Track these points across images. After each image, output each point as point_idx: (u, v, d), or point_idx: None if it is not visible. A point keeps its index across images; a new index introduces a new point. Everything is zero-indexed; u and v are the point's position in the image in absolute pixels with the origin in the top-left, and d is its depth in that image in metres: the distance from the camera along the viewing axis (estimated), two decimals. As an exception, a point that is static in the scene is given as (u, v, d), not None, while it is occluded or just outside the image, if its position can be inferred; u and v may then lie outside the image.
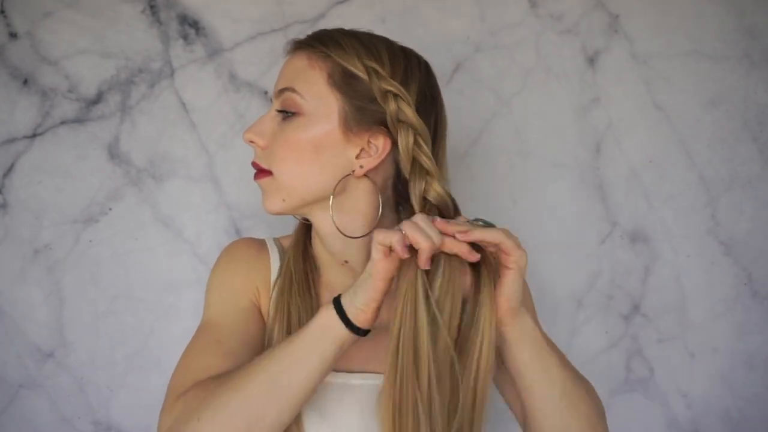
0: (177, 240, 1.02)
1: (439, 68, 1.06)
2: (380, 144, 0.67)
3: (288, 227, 0.83)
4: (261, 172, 0.71)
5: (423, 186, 0.65)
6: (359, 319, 0.60)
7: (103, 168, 1.00)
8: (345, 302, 0.60)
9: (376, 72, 0.65)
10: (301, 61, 0.69)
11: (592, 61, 1.09)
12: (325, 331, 0.60)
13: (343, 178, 0.67)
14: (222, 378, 0.61)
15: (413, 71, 0.68)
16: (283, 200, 0.70)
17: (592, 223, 1.11)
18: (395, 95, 0.65)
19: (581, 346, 1.11)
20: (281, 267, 0.76)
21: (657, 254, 1.12)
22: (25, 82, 0.98)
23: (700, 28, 1.11)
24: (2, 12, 0.97)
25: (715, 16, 1.11)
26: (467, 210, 1.09)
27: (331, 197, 0.68)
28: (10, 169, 0.98)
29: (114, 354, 1.01)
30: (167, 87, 1.01)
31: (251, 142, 0.72)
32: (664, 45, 1.10)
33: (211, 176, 1.02)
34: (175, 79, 1.01)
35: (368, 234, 0.69)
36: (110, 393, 1.01)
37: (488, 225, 0.62)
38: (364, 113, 0.66)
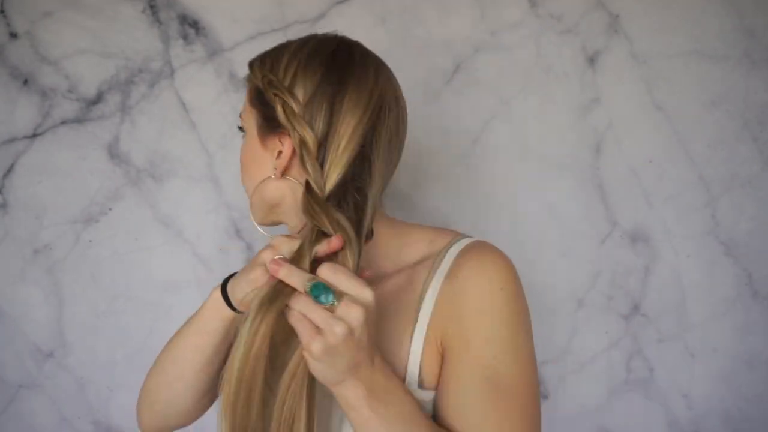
0: (177, 240, 1.02)
1: (439, 68, 1.07)
2: (286, 145, 0.66)
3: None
4: None
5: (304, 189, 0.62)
6: (235, 300, 0.65)
7: (103, 168, 1.00)
8: (230, 288, 0.66)
9: (269, 79, 0.67)
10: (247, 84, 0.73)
11: (592, 61, 1.09)
12: (211, 310, 0.68)
13: (261, 182, 0.69)
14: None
15: (307, 67, 0.65)
16: (253, 213, 0.72)
17: (592, 223, 1.11)
18: (280, 98, 0.65)
19: (581, 346, 1.11)
20: None
21: (657, 254, 1.12)
22: (25, 82, 0.98)
23: (700, 28, 1.11)
24: (2, 12, 0.97)
25: (715, 16, 1.11)
26: (467, 210, 1.09)
27: (250, 199, 0.71)
28: (10, 169, 0.98)
29: (114, 354, 1.01)
30: (167, 87, 1.01)
31: None
32: (664, 45, 1.10)
33: (211, 176, 1.02)
34: (175, 79, 1.01)
35: (301, 230, 0.66)
36: (110, 393, 1.01)
37: (322, 298, 0.53)
38: (270, 120, 0.67)
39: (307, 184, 0.63)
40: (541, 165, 1.09)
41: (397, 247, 0.70)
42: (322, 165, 0.63)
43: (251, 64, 0.71)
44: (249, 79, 0.72)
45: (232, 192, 1.03)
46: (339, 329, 0.51)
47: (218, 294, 0.68)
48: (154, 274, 1.01)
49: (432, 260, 0.67)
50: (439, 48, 1.06)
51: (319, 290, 0.52)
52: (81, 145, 0.99)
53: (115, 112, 1.00)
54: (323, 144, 0.64)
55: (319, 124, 0.64)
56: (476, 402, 0.60)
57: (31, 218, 0.99)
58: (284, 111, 0.65)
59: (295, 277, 0.54)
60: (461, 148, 1.08)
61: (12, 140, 0.98)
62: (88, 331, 1.00)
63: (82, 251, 1.00)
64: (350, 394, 0.56)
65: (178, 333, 0.73)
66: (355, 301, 0.52)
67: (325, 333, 0.52)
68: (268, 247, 0.61)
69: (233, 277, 0.67)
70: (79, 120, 0.99)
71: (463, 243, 0.68)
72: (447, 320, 0.63)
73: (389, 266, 0.70)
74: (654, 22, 1.10)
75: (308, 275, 0.54)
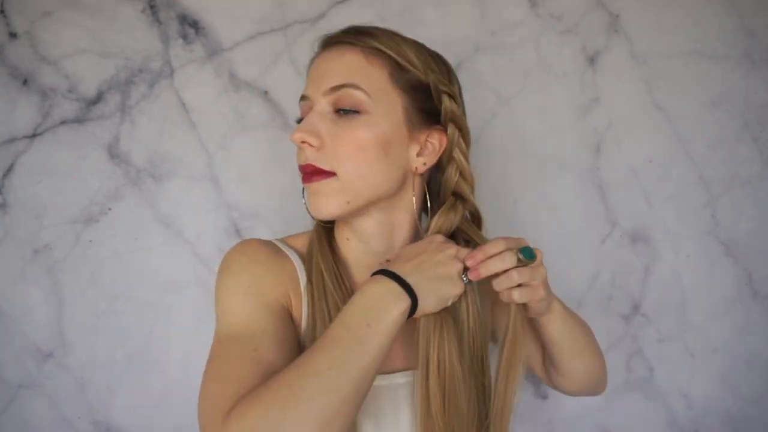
0: (177, 240, 1.02)
1: (439, 68, 1.06)
2: (437, 141, 0.69)
3: (289, 228, 0.83)
4: (319, 174, 0.66)
5: (454, 185, 0.71)
6: (428, 310, 0.63)
7: (103, 168, 1.00)
8: (420, 308, 0.61)
9: (433, 71, 0.67)
10: (355, 56, 0.66)
11: (592, 61, 1.09)
12: (396, 325, 0.59)
13: (412, 175, 0.70)
14: (290, 377, 0.54)
15: (453, 73, 0.72)
16: (348, 202, 0.66)
17: (592, 223, 1.11)
18: (450, 96, 0.68)
19: (581, 346, 1.11)
20: (308, 273, 0.71)
21: (657, 254, 1.12)
22: (25, 82, 0.98)
23: (700, 28, 1.11)
24: (2, 12, 0.97)
25: (715, 16, 1.11)
26: (467, 210, 1.09)
27: (413, 197, 0.70)
28: (10, 169, 0.98)
29: (114, 354, 1.01)
30: (167, 87, 1.01)
31: (303, 142, 0.66)
32: (664, 45, 1.10)
33: (211, 176, 1.02)
34: (174, 78, 1.01)
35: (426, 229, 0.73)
36: (110, 393, 1.01)
37: (527, 258, 0.65)
38: (423, 111, 0.68)
39: (465, 196, 0.72)
40: (541, 165, 1.09)
41: None
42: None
43: (384, 39, 0.67)
44: (383, 55, 0.66)
45: (232, 192, 1.03)
46: (545, 273, 0.67)
47: (407, 310, 0.59)
48: (154, 274, 1.01)
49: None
50: (439, 48, 1.05)
51: (529, 251, 0.65)
52: (81, 145, 0.99)
53: (115, 112, 1.00)
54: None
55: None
56: None
57: (31, 218, 0.99)
58: (452, 109, 0.69)
59: (500, 262, 0.64)
60: (461, 148, 1.08)
61: (12, 140, 0.98)
62: (88, 331, 1.00)
63: (82, 251, 1.00)
64: (558, 308, 0.73)
65: (346, 353, 0.56)
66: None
67: (541, 281, 0.66)
68: (454, 261, 0.65)
69: (420, 291, 0.61)
70: (79, 120, 0.99)
71: None
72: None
73: None
74: (654, 22, 1.10)
75: (510, 251, 0.64)
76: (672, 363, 1.13)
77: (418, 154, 0.69)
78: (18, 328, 0.99)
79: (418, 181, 0.71)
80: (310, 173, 0.66)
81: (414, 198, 0.71)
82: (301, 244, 0.75)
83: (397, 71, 0.66)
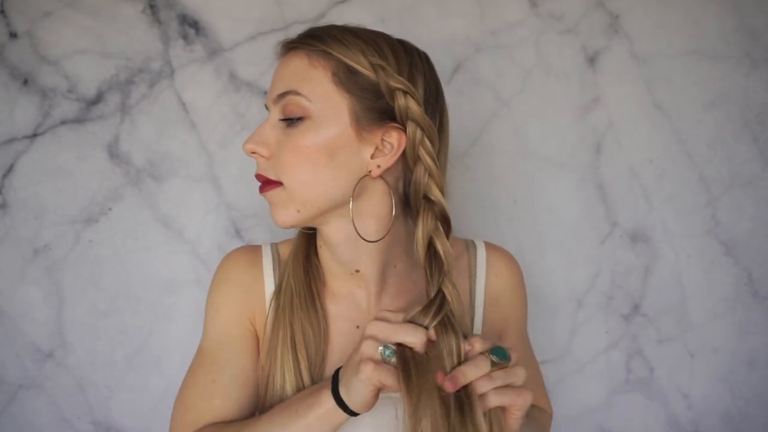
0: (177, 240, 1.02)
1: (439, 68, 1.05)
2: (394, 141, 0.64)
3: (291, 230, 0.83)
4: (269, 184, 0.66)
5: (424, 187, 0.64)
6: (364, 410, 0.60)
7: (103, 168, 1.00)
8: (348, 403, 0.60)
9: (383, 68, 0.63)
10: (300, 60, 0.65)
11: (592, 61, 1.09)
12: (330, 421, 0.62)
13: (361, 179, 0.64)
14: None
15: (417, 65, 0.66)
16: (298, 211, 0.65)
17: (592, 223, 1.11)
18: (404, 92, 0.63)
19: (581, 346, 1.11)
20: (279, 281, 0.73)
21: (657, 254, 1.12)
22: (25, 82, 0.98)
23: (700, 28, 1.11)
24: (2, 12, 0.97)
25: (715, 16, 1.11)
26: (467, 209, 1.09)
27: (351, 202, 0.65)
28: (10, 169, 0.98)
29: (114, 354, 1.01)
30: (167, 87, 1.01)
31: (253, 153, 0.66)
32: (664, 45, 1.10)
33: (211, 176, 1.02)
34: (174, 79, 1.01)
35: (383, 237, 0.68)
36: (110, 393, 1.01)
37: (501, 359, 0.59)
38: (374, 111, 0.63)
39: (433, 198, 0.64)
40: (541, 165, 1.09)
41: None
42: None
43: (328, 38, 0.64)
44: (326, 55, 0.64)
45: (232, 192, 1.03)
46: (525, 374, 0.59)
47: (332, 404, 0.61)
48: (154, 274, 1.01)
49: (467, 265, 0.78)
50: (439, 48, 1.06)
51: (502, 351, 0.58)
52: (81, 145, 0.99)
53: (115, 112, 1.00)
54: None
55: (435, 125, 0.67)
56: (529, 365, 0.79)
57: (31, 218, 0.99)
58: (407, 105, 0.63)
59: (475, 370, 0.57)
60: (461, 148, 1.08)
61: (12, 140, 0.98)
62: (88, 331, 1.00)
63: (82, 251, 1.00)
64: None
65: None
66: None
67: (525, 386, 0.59)
68: (368, 339, 0.59)
69: (341, 383, 0.61)
70: (79, 120, 0.99)
71: (479, 245, 0.80)
72: (496, 309, 0.78)
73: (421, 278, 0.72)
74: (654, 22, 1.10)
75: (483, 354, 0.58)
76: (672, 363, 1.13)
77: (373, 156, 0.64)
78: (18, 328, 0.99)
79: (379, 184, 0.66)
80: (262, 183, 0.67)
81: (377, 204, 0.67)
82: (287, 249, 0.76)
83: (343, 72, 0.63)
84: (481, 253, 0.79)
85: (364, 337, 0.59)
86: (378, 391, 0.59)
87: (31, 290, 0.99)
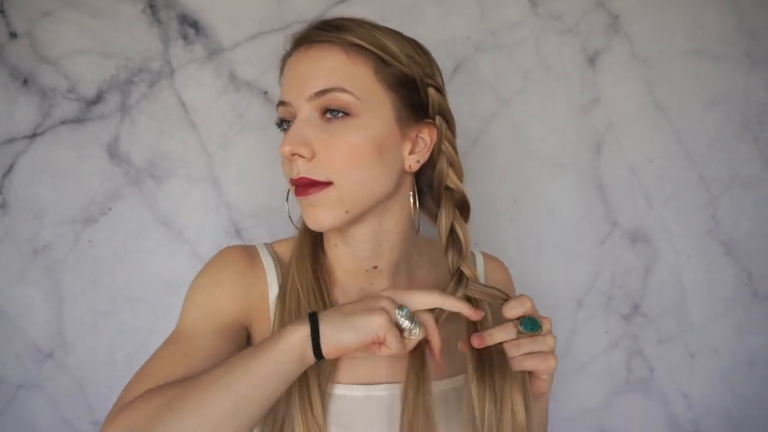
0: (177, 240, 1.02)
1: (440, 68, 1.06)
2: (426, 135, 0.67)
3: (289, 228, 0.83)
4: (314, 186, 0.62)
5: (447, 177, 0.68)
6: (330, 353, 0.55)
7: (103, 168, 1.00)
8: (324, 335, 0.54)
9: (418, 63, 0.64)
10: (337, 56, 0.62)
11: (592, 61, 1.09)
12: (293, 354, 0.54)
13: (404, 175, 0.67)
14: (177, 389, 0.54)
15: (434, 61, 0.69)
16: (347, 212, 0.63)
17: (592, 223, 1.11)
18: (435, 87, 0.66)
19: (581, 346, 1.11)
20: (283, 282, 0.70)
21: (657, 254, 1.12)
22: (25, 81, 0.98)
23: (700, 28, 1.11)
24: (2, 12, 0.97)
25: (715, 16, 1.11)
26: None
27: (411, 196, 0.68)
28: (9, 169, 0.98)
29: (114, 354, 1.01)
30: (167, 87, 1.01)
31: (294, 155, 0.62)
32: (664, 45, 1.10)
33: (211, 176, 1.02)
34: (174, 78, 1.01)
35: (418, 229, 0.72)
36: (110, 393, 1.01)
37: (529, 330, 0.63)
38: (412, 106, 0.65)
39: (455, 186, 0.68)
40: (541, 165, 1.09)
41: (436, 263, 0.75)
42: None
43: (363, 33, 0.62)
44: (365, 52, 0.62)
45: (232, 192, 1.03)
46: (553, 342, 0.64)
47: (307, 337, 0.54)
48: (154, 274, 1.01)
49: None
50: (439, 48, 1.05)
51: (532, 321, 0.62)
52: (81, 145, 0.99)
53: (114, 112, 1.00)
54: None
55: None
56: None
57: (31, 218, 0.99)
58: (440, 102, 0.66)
59: (501, 333, 0.61)
60: (461, 148, 1.07)
61: (12, 140, 0.98)
62: (88, 331, 1.00)
63: (82, 251, 1.00)
64: (542, 402, 0.72)
65: (229, 373, 0.53)
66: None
67: (551, 352, 0.64)
68: (386, 298, 0.58)
69: (327, 321, 0.55)
70: (79, 120, 0.99)
71: (477, 255, 0.81)
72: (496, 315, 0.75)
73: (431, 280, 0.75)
74: (654, 22, 1.10)
75: (511, 322, 0.62)
76: (672, 363, 1.13)
77: (410, 152, 0.66)
78: (18, 328, 0.99)
79: (408, 179, 0.68)
80: (305, 186, 0.63)
81: (411, 197, 0.69)
82: (287, 249, 0.74)
83: (382, 67, 0.62)
84: (479, 262, 0.81)
85: (380, 295, 0.58)
86: (357, 350, 0.56)
87: (30, 290, 0.99)
